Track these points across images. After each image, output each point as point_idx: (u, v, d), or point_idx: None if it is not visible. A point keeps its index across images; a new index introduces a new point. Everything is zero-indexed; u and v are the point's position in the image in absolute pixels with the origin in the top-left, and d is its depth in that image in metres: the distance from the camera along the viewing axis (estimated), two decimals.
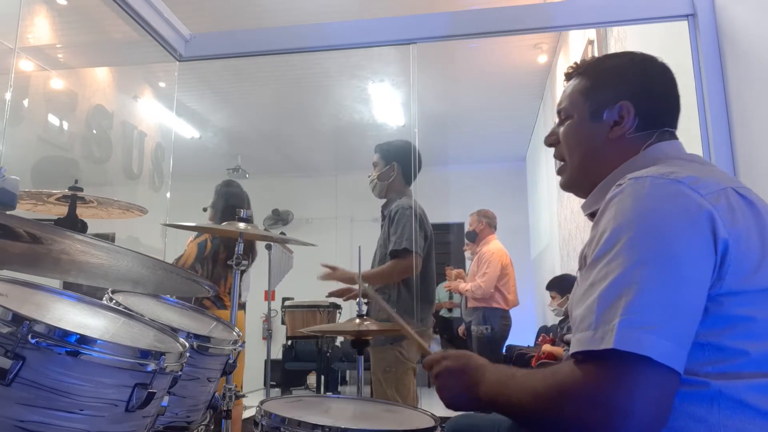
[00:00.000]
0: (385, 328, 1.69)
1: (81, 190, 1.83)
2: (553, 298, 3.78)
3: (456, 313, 6.20)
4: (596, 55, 3.38)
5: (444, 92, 5.69)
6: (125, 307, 1.22)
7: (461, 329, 5.09)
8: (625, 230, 0.77)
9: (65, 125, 4.15)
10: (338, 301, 3.08)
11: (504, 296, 4.38)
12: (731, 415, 0.73)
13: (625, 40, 3.01)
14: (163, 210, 3.09)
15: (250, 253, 3.19)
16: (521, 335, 5.50)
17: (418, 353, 2.45)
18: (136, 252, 0.97)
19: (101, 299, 1.22)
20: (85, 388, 0.83)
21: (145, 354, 0.90)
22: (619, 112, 0.98)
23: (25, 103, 3.80)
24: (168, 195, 3.29)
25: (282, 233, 2.33)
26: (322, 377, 6.46)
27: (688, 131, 2.17)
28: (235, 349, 1.42)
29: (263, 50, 2.74)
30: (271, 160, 7.94)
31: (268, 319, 4.06)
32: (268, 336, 3.96)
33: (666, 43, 2.47)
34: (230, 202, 2.95)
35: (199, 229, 2.50)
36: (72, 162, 4.09)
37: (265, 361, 3.98)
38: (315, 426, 1.01)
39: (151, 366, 0.90)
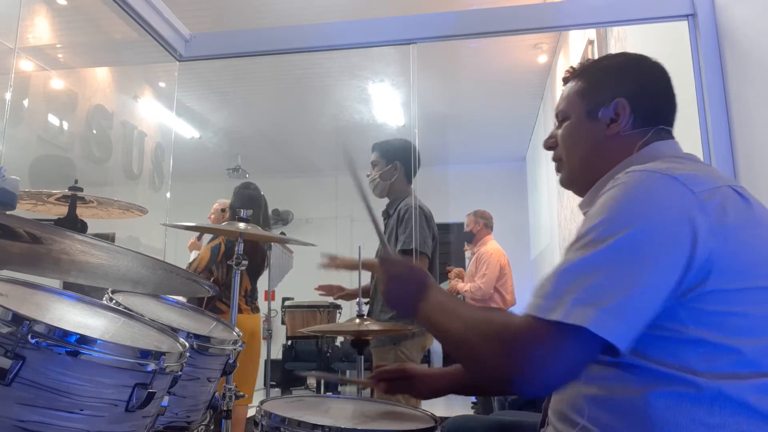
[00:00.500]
0: (385, 328, 1.69)
1: (81, 190, 1.83)
2: None
3: None
4: (596, 55, 3.39)
5: (444, 92, 5.69)
6: (125, 307, 1.22)
7: None
8: (607, 217, 0.79)
9: (65, 125, 4.15)
10: (338, 300, 3.08)
11: (502, 296, 4.40)
12: (731, 415, 0.73)
13: (625, 40, 3.01)
14: (163, 210, 3.09)
15: (264, 255, 3.20)
16: None
17: (420, 353, 2.45)
18: (136, 252, 0.97)
19: (101, 299, 1.22)
20: (85, 388, 0.83)
21: (145, 354, 0.90)
22: (615, 110, 0.99)
23: (25, 103, 3.80)
24: (168, 195, 3.30)
25: (282, 233, 2.33)
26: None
27: (688, 131, 2.17)
28: (235, 349, 1.42)
29: (263, 50, 2.74)
30: (271, 160, 7.94)
31: (268, 319, 4.07)
32: (268, 336, 3.96)
33: (666, 43, 2.47)
34: (243, 204, 2.96)
35: (199, 229, 2.51)
36: (69, 161, 4.09)
37: (265, 361, 3.98)
38: (315, 426, 1.01)
39: (151, 366, 0.90)
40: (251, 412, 3.18)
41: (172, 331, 1.15)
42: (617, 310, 0.73)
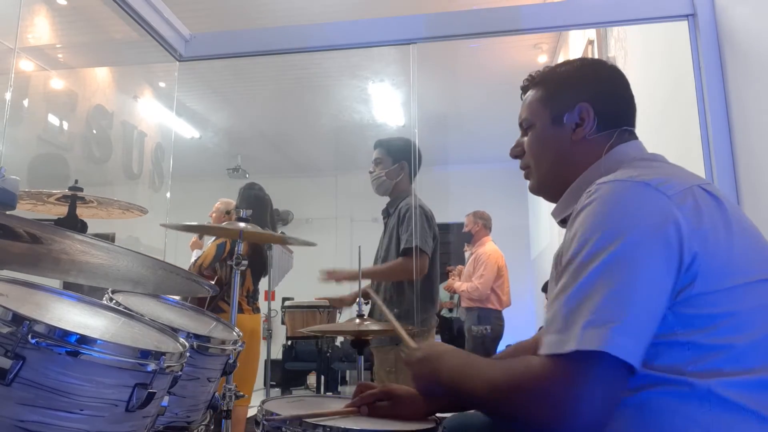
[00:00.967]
0: (385, 328, 1.69)
1: (81, 190, 1.82)
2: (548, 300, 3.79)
3: (456, 314, 6.21)
4: (597, 55, 3.39)
5: (444, 92, 5.69)
6: (125, 307, 1.22)
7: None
8: (592, 234, 0.78)
9: (65, 125, 4.15)
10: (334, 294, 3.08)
11: (499, 297, 4.43)
12: (722, 413, 0.73)
13: (625, 40, 3.01)
14: (163, 210, 3.09)
15: (266, 256, 3.21)
16: (521, 335, 5.48)
17: None
18: (136, 252, 0.97)
19: (101, 299, 1.22)
20: (85, 388, 0.83)
21: (145, 354, 0.90)
22: (579, 114, 1.01)
23: (25, 103, 3.80)
24: (168, 195, 3.29)
25: (282, 233, 2.33)
26: (322, 377, 6.46)
27: (688, 131, 2.17)
28: (235, 349, 1.42)
29: (263, 50, 2.74)
30: (271, 160, 7.94)
31: (268, 319, 4.07)
32: (268, 336, 3.96)
33: (666, 43, 2.47)
34: (249, 204, 2.96)
35: (198, 229, 2.50)
36: (69, 161, 4.09)
37: (265, 361, 3.98)
38: (316, 426, 1.01)
39: (151, 366, 0.90)
40: (250, 412, 3.18)
41: (172, 331, 1.15)
42: (626, 328, 0.72)
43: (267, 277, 3.84)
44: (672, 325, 0.76)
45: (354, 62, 5.12)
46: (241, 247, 1.96)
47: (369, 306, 2.51)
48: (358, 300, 1.84)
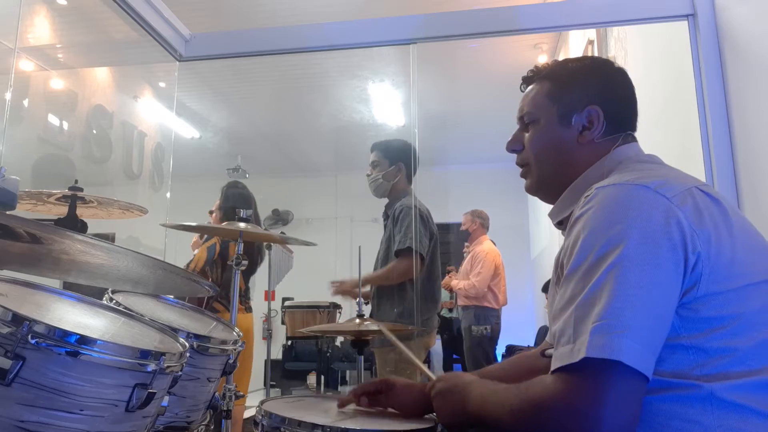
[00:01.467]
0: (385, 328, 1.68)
1: (81, 190, 1.82)
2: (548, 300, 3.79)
3: (456, 313, 6.21)
4: (596, 55, 3.38)
5: (444, 92, 5.69)
6: (125, 307, 1.22)
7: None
8: (596, 240, 0.77)
9: (65, 125, 4.15)
10: (338, 300, 3.10)
11: (495, 295, 4.44)
12: (725, 416, 0.73)
13: (625, 40, 3.01)
14: (163, 210, 3.09)
15: (258, 255, 3.19)
16: (521, 335, 5.50)
17: (423, 352, 2.46)
18: (136, 252, 0.97)
19: (101, 299, 1.22)
20: (85, 388, 0.83)
21: (145, 354, 0.90)
22: (588, 117, 0.98)
23: (25, 103, 3.79)
24: (168, 195, 3.29)
25: (282, 233, 2.33)
26: (322, 377, 6.46)
27: (688, 131, 2.17)
28: (235, 349, 1.42)
29: (263, 50, 2.74)
30: (271, 160, 7.94)
31: (268, 319, 4.06)
32: (268, 336, 3.96)
33: (666, 43, 2.47)
34: (235, 203, 2.95)
35: (198, 230, 2.50)
36: (69, 161, 4.09)
37: (265, 361, 3.97)
38: (315, 426, 1.01)
39: (151, 366, 0.90)
40: (248, 412, 3.18)
41: (172, 331, 1.15)
42: (637, 334, 0.71)
43: (267, 277, 3.84)
44: (676, 328, 0.76)
45: (354, 62, 5.12)
46: (241, 247, 1.96)
47: (369, 306, 2.51)
48: (358, 300, 1.85)
